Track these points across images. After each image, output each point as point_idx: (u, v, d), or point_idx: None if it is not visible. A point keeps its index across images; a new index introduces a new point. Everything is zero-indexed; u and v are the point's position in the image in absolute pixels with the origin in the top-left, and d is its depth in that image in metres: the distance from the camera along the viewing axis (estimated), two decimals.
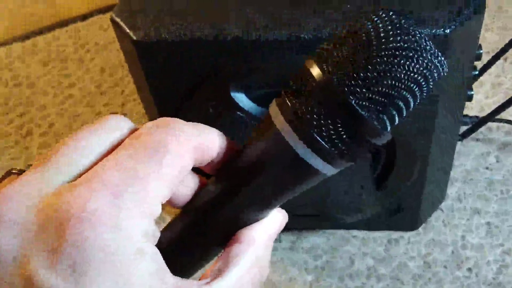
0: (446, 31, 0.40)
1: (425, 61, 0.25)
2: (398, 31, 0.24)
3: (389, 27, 0.24)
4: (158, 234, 0.24)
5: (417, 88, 0.25)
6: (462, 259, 0.57)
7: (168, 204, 0.26)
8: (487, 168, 0.65)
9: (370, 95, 0.24)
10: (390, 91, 0.24)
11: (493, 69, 0.73)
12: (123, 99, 0.82)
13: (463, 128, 0.64)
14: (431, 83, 0.25)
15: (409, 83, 0.24)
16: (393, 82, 0.24)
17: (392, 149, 0.50)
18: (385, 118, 0.25)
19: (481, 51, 0.50)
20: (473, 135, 0.64)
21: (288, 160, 0.26)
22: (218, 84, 0.45)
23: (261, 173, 0.27)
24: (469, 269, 0.56)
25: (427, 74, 0.25)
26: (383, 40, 0.24)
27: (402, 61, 0.24)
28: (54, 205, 0.22)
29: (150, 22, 0.44)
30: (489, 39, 0.82)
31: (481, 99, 0.73)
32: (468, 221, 0.60)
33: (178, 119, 0.26)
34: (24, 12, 1.03)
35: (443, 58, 0.26)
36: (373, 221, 0.58)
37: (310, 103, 0.25)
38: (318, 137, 0.25)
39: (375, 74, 0.24)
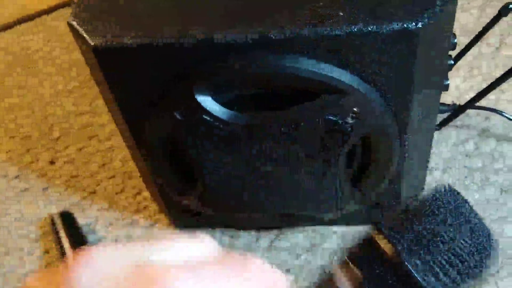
0: (418, 25, 0.38)
1: None
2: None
3: None
4: None
5: None
6: None
7: None
8: (466, 155, 0.64)
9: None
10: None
11: (469, 52, 0.71)
12: (92, 98, 0.79)
13: (441, 116, 0.62)
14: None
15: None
16: None
17: (368, 144, 0.48)
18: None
19: (455, 41, 0.48)
20: None
21: None
22: (184, 89, 0.42)
23: None
24: None
25: None
26: None
27: None
28: (149, 271, 0.23)
29: (109, 26, 0.41)
30: (464, 20, 0.80)
31: (459, 84, 0.72)
32: None
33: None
34: None
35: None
36: (353, 216, 0.57)
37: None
38: None
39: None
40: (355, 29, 0.38)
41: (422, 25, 0.38)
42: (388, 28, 0.38)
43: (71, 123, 0.76)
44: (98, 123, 0.76)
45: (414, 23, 0.38)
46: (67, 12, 0.95)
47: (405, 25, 0.38)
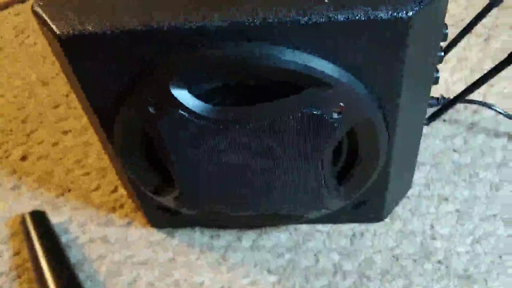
0: (408, 14, 0.35)
1: None
2: None
3: None
4: None
5: None
6: (431, 251, 0.54)
7: None
8: (454, 150, 0.62)
9: None
10: None
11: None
12: (69, 89, 0.76)
13: (430, 110, 0.60)
14: None
15: None
16: None
17: (354, 140, 0.46)
18: None
19: (446, 31, 0.46)
20: None
21: None
22: (158, 81, 0.40)
23: None
24: (439, 261, 0.53)
25: None
26: None
27: None
28: None
29: (76, 13, 0.38)
30: (454, 11, 0.78)
31: (447, 77, 0.70)
32: (436, 209, 0.57)
33: None
34: None
35: None
36: (338, 214, 0.54)
37: None
38: None
39: None
40: (341, 18, 0.35)
41: (413, 13, 0.35)
42: (376, 16, 0.35)
43: (46, 116, 0.73)
44: (74, 116, 0.72)
45: (404, 11, 0.35)
46: None
47: (394, 14, 0.35)
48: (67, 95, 0.75)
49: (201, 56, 0.38)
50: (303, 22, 0.36)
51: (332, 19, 0.35)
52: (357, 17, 0.35)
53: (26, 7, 0.91)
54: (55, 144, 0.69)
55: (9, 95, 0.76)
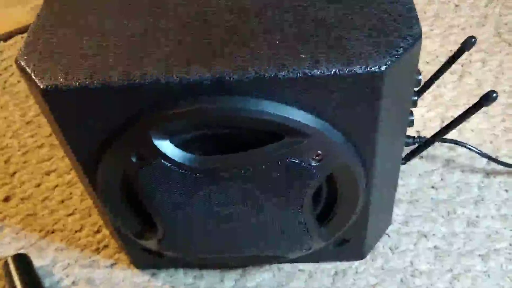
0: (381, 68, 0.37)
1: None
2: None
3: None
4: None
5: None
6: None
7: None
8: (432, 187, 0.63)
9: None
10: None
11: None
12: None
13: (407, 149, 0.62)
14: None
15: None
16: None
17: (333, 184, 0.47)
18: None
19: (420, 77, 0.48)
20: None
21: None
22: (140, 131, 0.41)
23: None
24: None
25: None
26: None
27: None
28: None
29: (59, 67, 0.39)
30: (429, 48, 0.81)
31: (423, 113, 0.72)
32: (415, 245, 0.58)
33: None
34: None
35: None
36: (320, 253, 0.55)
37: None
38: None
39: None
40: (317, 73, 0.37)
41: (385, 68, 0.37)
42: (351, 71, 0.37)
43: (29, 156, 0.73)
44: (58, 156, 0.73)
45: (377, 66, 0.37)
46: (20, 39, 0.92)
47: (368, 68, 0.37)
48: (50, 135, 0.76)
49: (182, 109, 0.39)
50: (280, 77, 0.37)
51: (309, 74, 0.37)
52: (332, 72, 0.37)
53: (7, 46, 0.91)
54: (38, 184, 0.70)
55: None
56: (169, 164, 0.41)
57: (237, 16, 0.42)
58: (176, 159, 0.41)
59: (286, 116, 0.39)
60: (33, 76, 0.40)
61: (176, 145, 0.41)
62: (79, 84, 0.38)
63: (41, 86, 0.39)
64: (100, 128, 0.41)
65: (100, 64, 0.39)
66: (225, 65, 0.38)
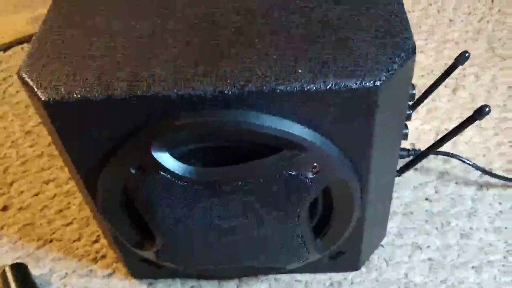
0: (376, 84, 0.38)
1: None
2: None
3: None
4: None
5: None
6: None
7: None
8: (426, 199, 0.64)
9: None
10: None
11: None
12: (50, 138, 0.77)
13: (402, 161, 0.63)
14: None
15: None
16: None
17: (329, 197, 0.48)
18: None
19: (414, 92, 0.49)
20: None
21: None
22: (140, 144, 0.41)
23: None
24: None
25: None
26: None
27: None
28: None
29: (60, 80, 0.40)
30: (424, 63, 0.82)
31: (417, 126, 0.73)
32: (409, 257, 0.59)
33: None
34: None
35: None
36: (316, 264, 0.56)
37: None
38: None
39: None
40: (314, 88, 0.38)
41: (380, 83, 0.38)
42: (346, 86, 0.38)
43: (28, 166, 0.74)
44: (57, 166, 0.73)
45: (372, 81, 0.38)
46: (25, 48, 0.93)
47: (363, 83, 0.38)
48: (49, 144, 0.76)
49: (182, 122, 0.40)
50: (278, 91, 0.38)
51: (306, 88, 0.38)
52: (328, 87, 0.38)
53: (7, 56, 0.92)
54: (36, 194, 0.70)
55: None
56: (169, 176, 0.42)
57: (244, 17, 0.43)
58: (176, 172, 0.42)
59: (285, 129, 0.40)
60: (35, 89, 0.40)
61: (176, 157, 0.42)
62: (81, 96, 0.39)
63: (43, 99, 0.40)
64: (101, 140, 0.42)
65: (108, 65, 0.40)
66: (224, 80, 0.39)
